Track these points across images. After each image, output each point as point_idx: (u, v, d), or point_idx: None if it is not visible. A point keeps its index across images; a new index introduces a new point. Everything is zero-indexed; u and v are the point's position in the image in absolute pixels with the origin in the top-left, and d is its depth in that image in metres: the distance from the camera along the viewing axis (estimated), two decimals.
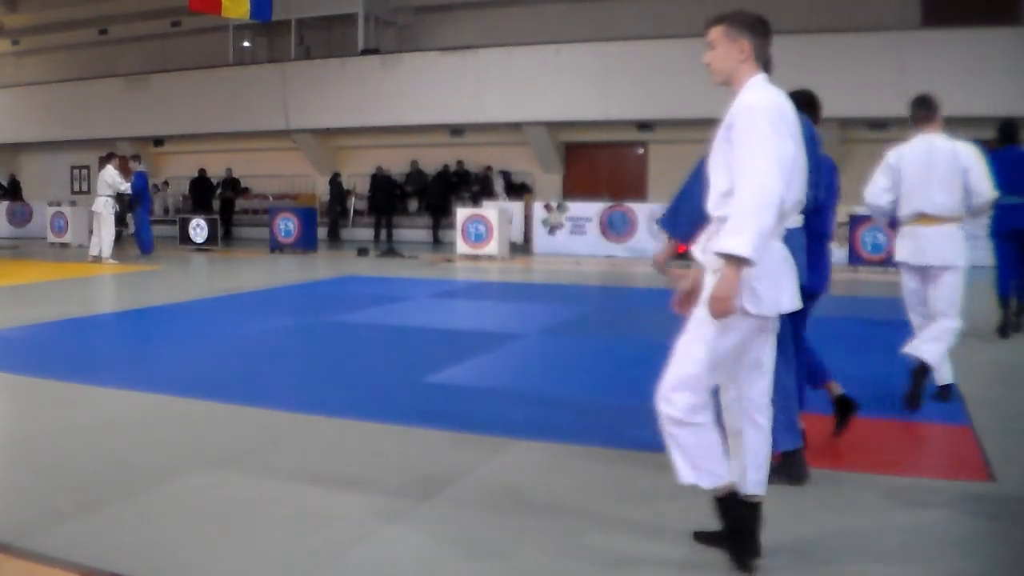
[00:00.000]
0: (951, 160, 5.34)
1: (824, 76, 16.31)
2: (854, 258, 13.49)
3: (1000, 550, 3.14)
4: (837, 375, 4.22)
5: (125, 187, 14.47)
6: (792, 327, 3.68)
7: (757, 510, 2.89)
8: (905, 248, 5.55)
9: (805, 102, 4.21)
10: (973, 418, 4.73)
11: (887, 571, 2.92)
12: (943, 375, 5.16)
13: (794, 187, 2.82)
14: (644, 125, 18.54)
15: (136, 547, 3.06)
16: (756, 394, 2.92)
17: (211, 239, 17.75)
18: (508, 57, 18.83)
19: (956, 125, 17.31)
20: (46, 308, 8.71)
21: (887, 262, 13.20)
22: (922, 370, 5.06)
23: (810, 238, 3.80)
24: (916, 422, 4.75)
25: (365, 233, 20.70)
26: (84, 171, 25.22)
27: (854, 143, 17.40)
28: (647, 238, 15.87)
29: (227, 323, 8.22)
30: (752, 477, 2.90)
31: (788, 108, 2.81)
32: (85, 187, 24.88)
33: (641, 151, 19.44)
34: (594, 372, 6.22)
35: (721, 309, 2.67)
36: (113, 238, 14.44)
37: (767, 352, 2.91)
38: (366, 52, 20.54)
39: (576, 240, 16.35)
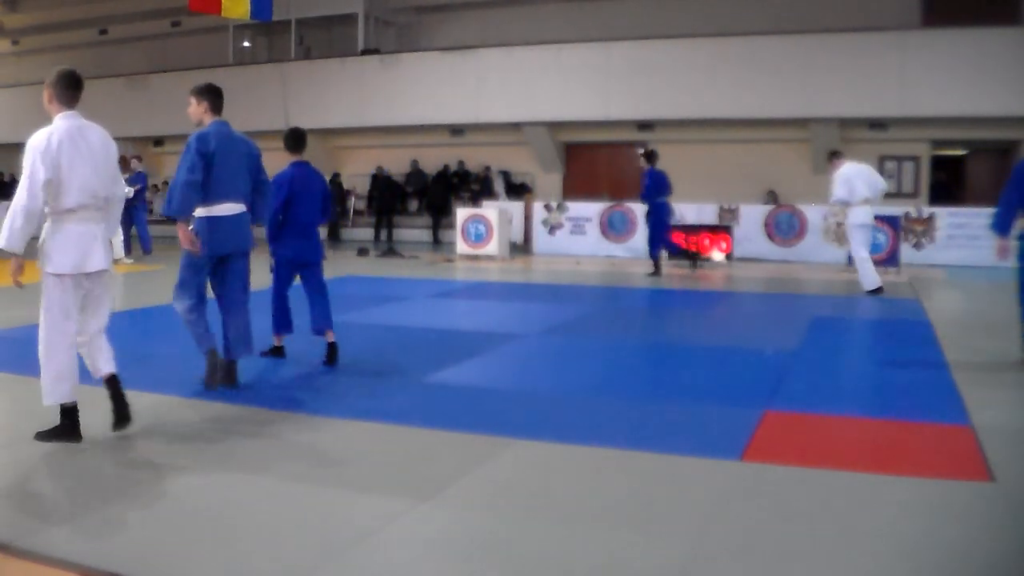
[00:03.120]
0: (871, 173, 10.44)
1: (824, 76, 16.41)
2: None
3: (1000, 550, 3.13)
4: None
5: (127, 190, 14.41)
6: (307, 285, 6.32)
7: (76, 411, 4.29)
8: (859, 215, 10.38)
9: (291, 137, 6.50)
10: (973, 418, 4.73)
11: (887, 570, 2.92)
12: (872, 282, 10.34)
13: (73, 186, 4.16)
14: (644, 125, 18.53)
15: (136, 547, 3.06)
16: (96, 327, 4.36)
17: None
18: (508, 57, 18.83)
19: (956, 125, 17.24)
20: None
21: (887, 262, 13.21)
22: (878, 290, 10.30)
23: (291, 225, 6.10)
24: (916, 422, 4.75)
25: (365, 233, 20.70)
26: None
27: (854, 143, 17.40)
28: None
29: None
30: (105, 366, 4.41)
31: (57, 140, 4.16)
32: None
33: (641, 151, 19.42)
34: (594, 372, 6.21)
35: (11, 280, 4.21)
36: (121, 238, 14.37)
37: (104, 297, 4.39)
38: (366, 52, 20.54)
39: (576, 240, 16.33)
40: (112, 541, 3.11)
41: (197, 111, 5.27)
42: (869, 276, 10.36)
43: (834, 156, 10.85)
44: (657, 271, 12.48)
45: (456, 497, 3.57)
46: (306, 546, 3.06)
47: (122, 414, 4.39)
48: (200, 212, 5.17)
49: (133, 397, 5.24)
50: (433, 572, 2.94)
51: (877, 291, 10.28)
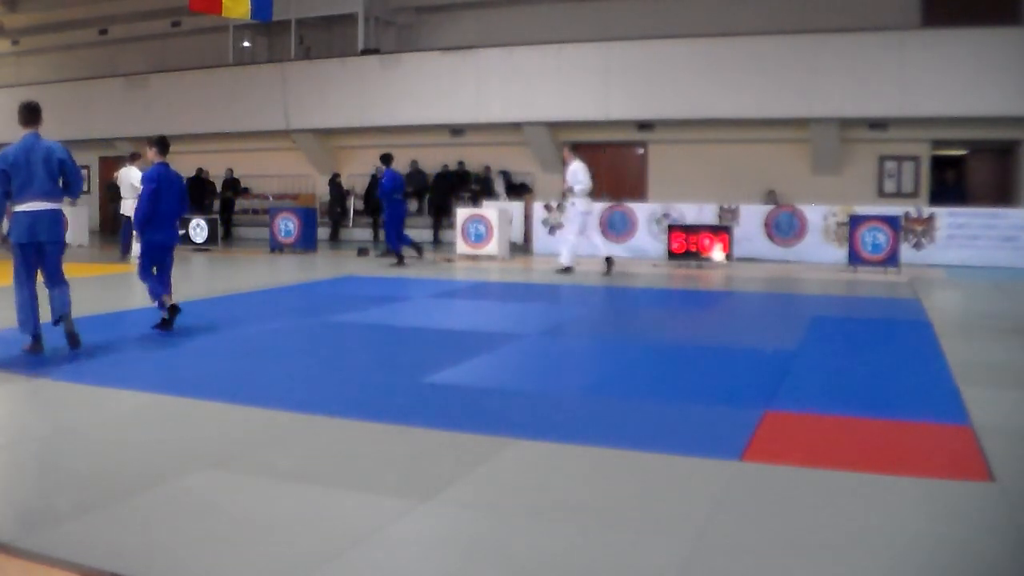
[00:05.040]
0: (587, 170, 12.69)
1: (824, 76, 16.42)
2: (854, 258, 13.47)
3: (999, 550, 3.13)
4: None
5: None
6: (50, 266, 6.59)
7: None
8: (585, 204, 12.56)
9: (160, 143, 7.71)
10: (973, 418, 4.73)
11: (887, 570, 2.92)
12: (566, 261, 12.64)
13: None
14: (644, 125, 18.53)
15: (136, 547, 3.06)
16: None
17: (211, 239, 17.75)
18: (508, 57, 18.83)
19: (956, 125, 17.27)
20: (45, 308, 8.69)
21: (887, 262, 13.22)
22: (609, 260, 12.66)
23: (157, 215, 7.47)
24: (916, 422, 4.75)
25: (365, 233, 20.70)
26: (84, 171, 25.23)
27: (854, 143, 17.42)
28: (647, 238, 15.87)
29: (227, 323, 8.22)
30: None
31: None
32: (86, 187, 24.93)
33: (641, 151, 19.44)
34: (594, 372, 6.22)
35: None
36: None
37: None
38: (366, 52, 20.53)
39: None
40: (112, 541, 3.11)
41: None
42: (568, 256, 12.70)
43: (572, 148, 12.94)
44: (400, 261, 14.10)
45: (456, 497, 3.57)
46: (306, 546, 3.06)
47: None
48: (14, 209, 6.41)
49: (130, 396, 5.27)
50: (433, 572, 2.94)
51: (568, 270, 12.62)
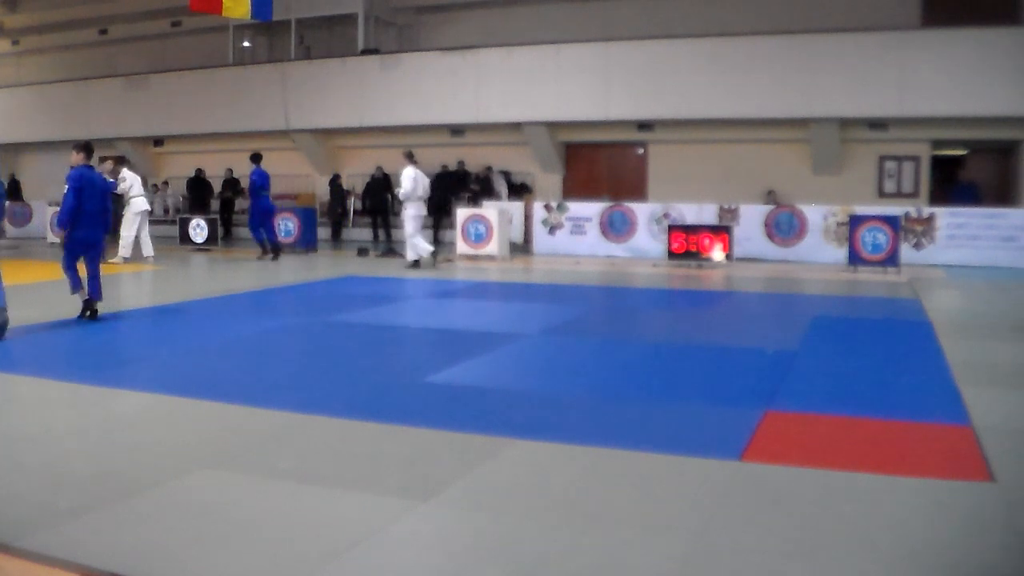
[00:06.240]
0: (424, 177, 13.80)
1: (824, 76, 16.42)
2: (854, 258, 13.47)
3: (999, 550, 3.13)
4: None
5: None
6: (91, 263, 7.71)
7: None
8: (417, 208, 13.62)
9: (84, 147, 8.15)
10: (973, 418, 4.73)
11: (887, 570, 2.92)
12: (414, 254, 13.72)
13: None
14: (644, 125, 18.52)
15: (136, 547, 3.06)
16: None
17: (211, 239, 17.74)
18: (508, 57, 18.82)
19: (956, 125, 17.25)
20: (46, 308, 8.70)
21: (887, 262, 13.22)
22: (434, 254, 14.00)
23: (82, 214, 7.90)
24: (916, 422, 4.75)
25: (365, 233, 20.71)
26: None
27: (854, 143, 17.42)
28: (647, 238, 15.87)
29: (227, 323, 8.22)
30: None
31: None
32: None
33: (641, 151, 19.43)
34: (594, 372, 6.22)
35: None
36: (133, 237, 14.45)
37: None
38: (366, 52, 20.53)
39: (576, 240, 16.33)
40: (112, 541, 3.11)
41: None
42: (411, 253, 13.83)
43: (407, 155, 13.71)
44: (265, 254, 15.27)
45: (456, 497, 3.57)
46: (306, 546, 3.06)
47: None
48: None
49: (130, 396, 5.27)
50: (433, 572, 2.94)
51: (415, 264, 13.70)
